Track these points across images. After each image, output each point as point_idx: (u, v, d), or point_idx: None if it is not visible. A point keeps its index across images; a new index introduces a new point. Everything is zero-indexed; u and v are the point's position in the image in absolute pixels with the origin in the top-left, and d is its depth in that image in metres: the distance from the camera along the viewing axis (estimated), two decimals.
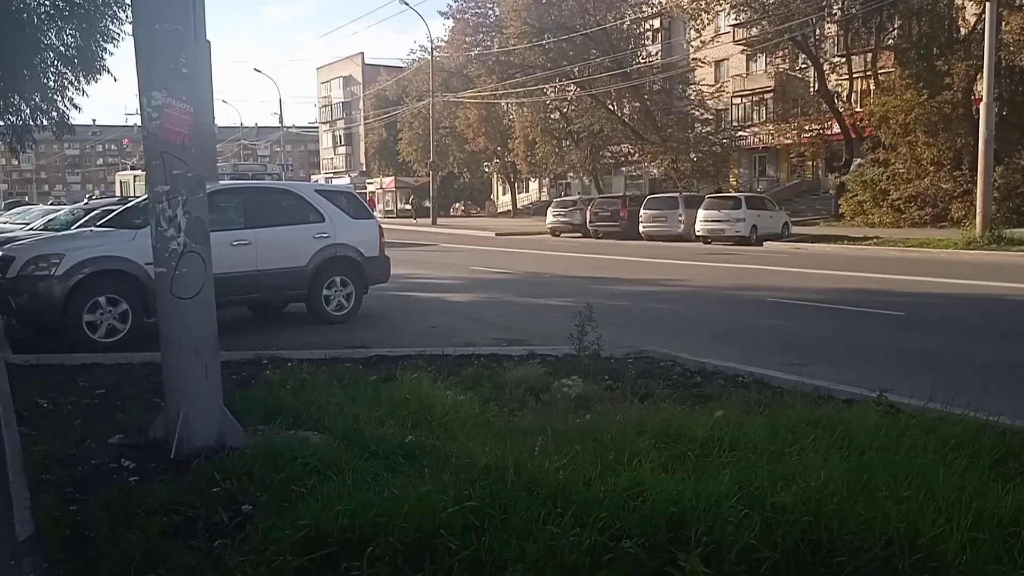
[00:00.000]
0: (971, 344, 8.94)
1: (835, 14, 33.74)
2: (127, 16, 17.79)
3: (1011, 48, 26.59)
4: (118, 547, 3.20)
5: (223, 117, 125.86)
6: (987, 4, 21.58)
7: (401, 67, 59.71)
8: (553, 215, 34.55)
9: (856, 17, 33.40)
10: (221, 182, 11.18)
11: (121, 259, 8.70)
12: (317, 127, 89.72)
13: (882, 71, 35.60)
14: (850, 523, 3.05)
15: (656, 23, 45.81)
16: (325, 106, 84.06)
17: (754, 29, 38.51)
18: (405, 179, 59.19)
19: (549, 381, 5.94)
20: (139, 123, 5.17)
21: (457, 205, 61.62)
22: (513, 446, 4.12)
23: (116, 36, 18.80)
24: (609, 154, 46.05)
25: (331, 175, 75.05)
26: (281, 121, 66.78)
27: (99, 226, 10.74)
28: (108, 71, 19.52)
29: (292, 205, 10.52)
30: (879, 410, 4.87)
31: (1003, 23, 24.25)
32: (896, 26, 34.27)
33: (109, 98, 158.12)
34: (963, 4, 30.67)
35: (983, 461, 3.77)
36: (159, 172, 4.41)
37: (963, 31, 30.79)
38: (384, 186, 60.41)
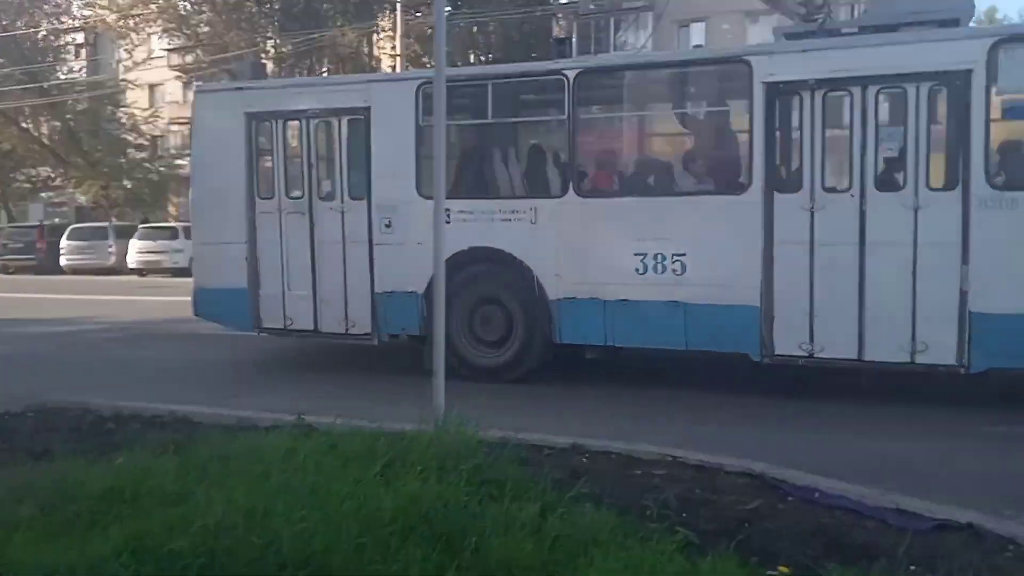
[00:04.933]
0: None
1: (268, 52, 34.90)
2: None
3: None
4: None
5: None
6: (398, 59, 24.96)
7: None
8: None
9: (289, 56, 35.01)
10: None
11: None
12: None
13: None
14: (244, 555, 3.04)
15: (80, 37, 41.77)
16: None
17: (189, 56, 37.75)
18: None
19: None
20: None
21: None
22: None
23: None
24: (24, 177, 40.46)
25: None
26: None
27: None
28: None
29: None
30: (296, 433, 5.03)
31: None
32: (327, 69, 36.90)
33: None
34: (379, 57, 34.51)
35: (374, 468, 4.12)
36: None
37: None
38: None
